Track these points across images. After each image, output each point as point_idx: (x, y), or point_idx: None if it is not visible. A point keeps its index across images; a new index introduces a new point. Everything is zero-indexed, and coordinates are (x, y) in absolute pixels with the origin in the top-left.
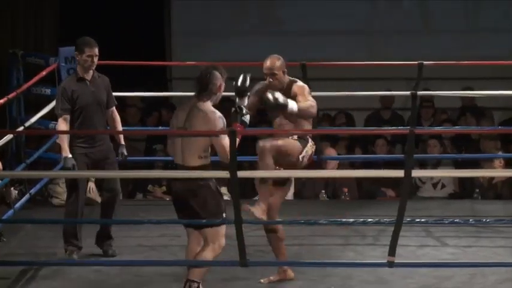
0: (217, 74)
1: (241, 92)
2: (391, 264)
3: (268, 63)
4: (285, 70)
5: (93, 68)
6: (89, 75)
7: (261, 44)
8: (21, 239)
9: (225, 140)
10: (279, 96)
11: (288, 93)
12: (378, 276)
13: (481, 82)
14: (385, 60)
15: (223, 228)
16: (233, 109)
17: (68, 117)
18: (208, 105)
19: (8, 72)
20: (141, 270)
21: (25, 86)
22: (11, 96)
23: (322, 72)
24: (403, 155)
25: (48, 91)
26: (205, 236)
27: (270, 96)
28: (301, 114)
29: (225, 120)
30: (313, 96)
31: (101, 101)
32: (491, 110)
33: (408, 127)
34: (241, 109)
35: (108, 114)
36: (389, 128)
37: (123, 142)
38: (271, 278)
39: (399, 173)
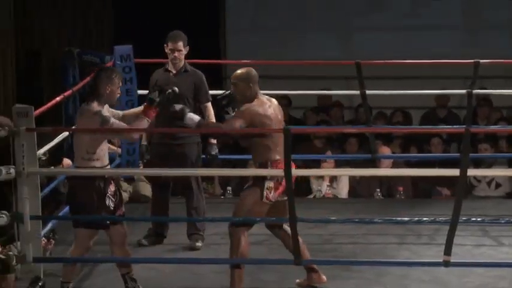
0: (103, 76)
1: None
2: (447, 264)
3: (235, 73)
4: (250, 85)
5: (177, 61)
6: (174, 68)
7: (318, 42)
8: None
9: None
10: (178, 107)
11: None
12: (434, 275)
13: None
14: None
15: (87, 231)
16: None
17: None
18: (90, 106)
19: (64, 70)
20: (196, 268)
21: (81, 83)
22: (66, 94)
23: (378, 71)
24: (458, 154)
25: None
26: (74, 235)
27: (175, 106)
28: (203, 131)
29: (104, 116)
30: (368, 95)
31: (181, 93)
32: None
33: (464, 126)
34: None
35: (203, 110)
36: (445, 126)
37: (212, 141)
38: (301, 280)
39: (455, 172)
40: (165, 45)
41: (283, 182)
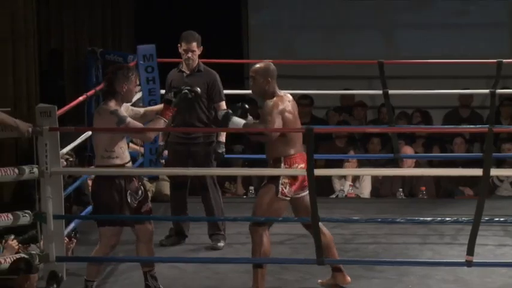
0: (120, 74)
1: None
2: (469, 264)
3: (254, 66)
4: (269, 79)
5: (190, 61)
6: (188, 68)
7: (337, 40)
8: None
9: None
10: (221, 114)
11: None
12: (456, 275)
13: None
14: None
15: (111, 230)
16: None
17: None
18: (107, 105)
19: (87, 69)
20: (218, 267)
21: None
22: (89, 93)
23: (401, 70)
24: (481, 154)
25: None
26: (99, 234)
27: (218, 113)
28: (250, 131)
29: (121, 112)
30: (390, 95)
31: None
32: None
33: (487, 125)
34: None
35: (216, 109)
36: (468, 126)
37: (220, 139)
38: (324, 281)
39: (477, 172)
40: (179, 45)
41: (299, 178)
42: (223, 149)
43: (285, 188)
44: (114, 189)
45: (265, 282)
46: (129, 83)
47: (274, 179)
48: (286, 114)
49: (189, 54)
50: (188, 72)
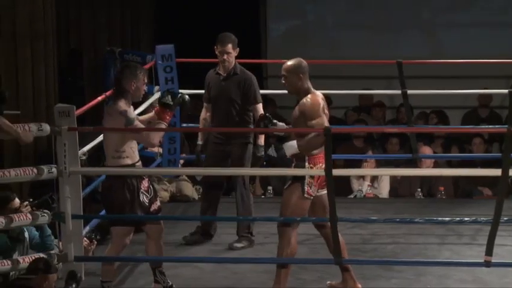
0: (127, 72)
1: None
2: (488, 264)
3: (284, 64)
4: (301, 75)
5: (226, 63)
6: (224, 70)
7: (363, 40)
8: None
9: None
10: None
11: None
12: (475, 275)
13: None
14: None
15: (124, 229)
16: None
17: (207, 105)
18: (117, 105)
19: (105, 69)
20: (237, 267)
21: None
22: (108, 93)
23: (419, 70)
24: (500, 154)
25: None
26: (111, 233)
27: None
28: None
29: (130, 113)
30: (409, 95)
31: (229, 96)
32: None
33: (506, 126)
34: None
35: (252, 111)
36: (487, 126)
37: (259, 142)
38: (333, 283)
39: (496, 172)
40: (215, 47)
41: (319, 176)
42: (263, 153)
43: (310, 187)
44: (127, 188)
45: (287, 283)
46: (137, 81)
47: (300, 179)
48: (326, 111)
49: (225, 56)
50: (224, 74)
